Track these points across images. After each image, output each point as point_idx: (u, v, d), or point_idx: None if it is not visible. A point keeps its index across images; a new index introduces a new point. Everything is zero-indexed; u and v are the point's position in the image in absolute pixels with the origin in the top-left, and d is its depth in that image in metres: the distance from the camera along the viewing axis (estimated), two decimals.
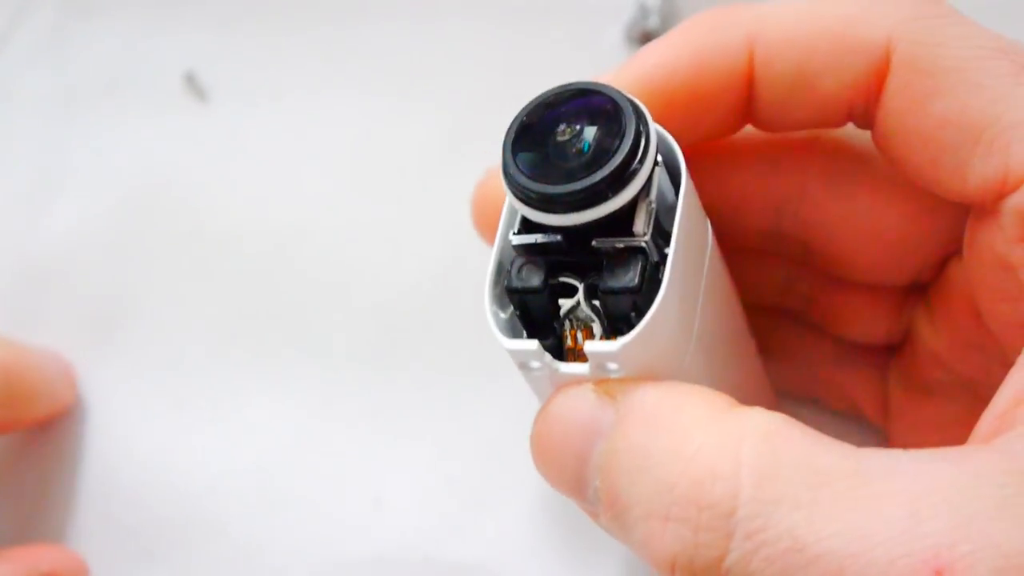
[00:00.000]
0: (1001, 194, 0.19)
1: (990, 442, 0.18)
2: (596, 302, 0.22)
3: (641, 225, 0.21)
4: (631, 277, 0.21)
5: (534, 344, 0.22)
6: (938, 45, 0.20)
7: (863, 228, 0.25)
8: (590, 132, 0.21)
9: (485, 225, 0.28)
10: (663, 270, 0.21)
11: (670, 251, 0.21)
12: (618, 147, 0.21)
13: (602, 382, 0.21)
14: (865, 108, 0.22)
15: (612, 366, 0.21)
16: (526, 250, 0.22)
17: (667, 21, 0.45)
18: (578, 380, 0.21)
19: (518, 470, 0.38)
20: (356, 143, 0.44)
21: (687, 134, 0.22)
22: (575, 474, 0.20)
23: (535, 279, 0.22)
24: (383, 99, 0.45)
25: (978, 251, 0.21)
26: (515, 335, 0.23)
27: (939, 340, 0.26)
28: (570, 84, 0.23)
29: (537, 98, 0.23)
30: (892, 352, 0.30)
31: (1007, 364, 0.19)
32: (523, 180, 0.21)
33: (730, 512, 0.17)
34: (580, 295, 0.22)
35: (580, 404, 0.20)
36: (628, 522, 0.18)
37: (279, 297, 0.42)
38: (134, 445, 0.41)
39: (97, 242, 0.44)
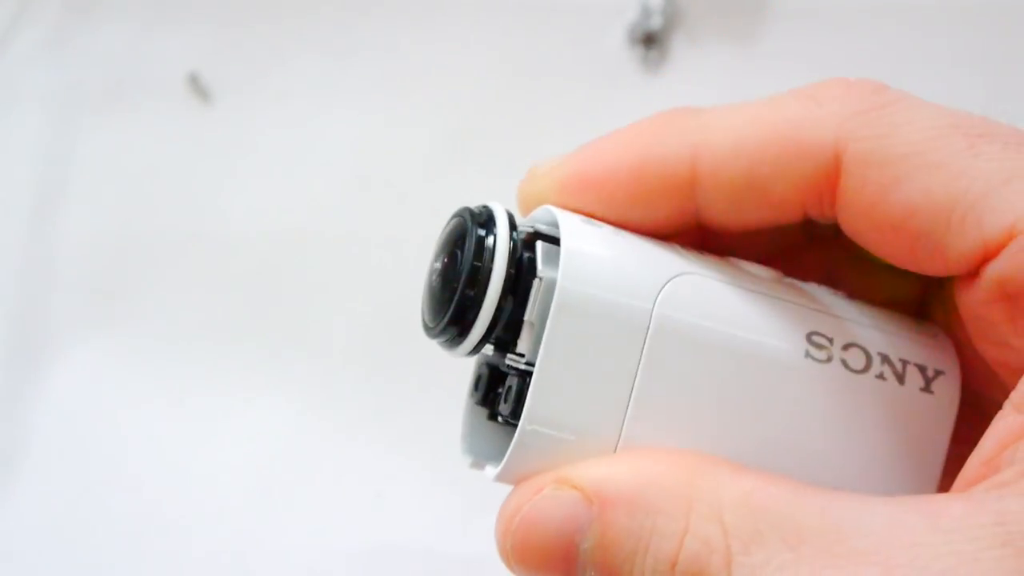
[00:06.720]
0: (982, 264, 0.19)
1: (968, 490, 0.18)
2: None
3: (523, 345, 0.19)
4: (508, 406, 0.20)
5: (470, 459, 0.22)
6: (887, 136, 0.20)
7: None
8: (451, 265, 0.20)
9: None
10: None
11: (532, 379, 0.19)
12: (453, 292, 0.19)
13: (560, 478, 0.20)
14: (821, 207, 0.21)
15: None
16: None
17: (670, 21, 0.45)
18: (532, 476, 0.20)
19: None
20: (358, 143, 0.45)
21: (634, 227, 0.22)
22: (564, 573, 0.20)
23: (477, 374, 0.22)
24: (386, 99, 0.45)
25: (962, 302, 0.21)
26: None
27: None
28: (460, 209, 0.21)
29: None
30: None
31: (1005, 391, 0.19)
32: (421, 305, 0.21)
33: None
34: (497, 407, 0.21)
35: (550, 508, 0.20)
36: None
37: (282, 296, 0.42)
38: (136, 440, 0.41)
39: (100, 241, 0.45)
